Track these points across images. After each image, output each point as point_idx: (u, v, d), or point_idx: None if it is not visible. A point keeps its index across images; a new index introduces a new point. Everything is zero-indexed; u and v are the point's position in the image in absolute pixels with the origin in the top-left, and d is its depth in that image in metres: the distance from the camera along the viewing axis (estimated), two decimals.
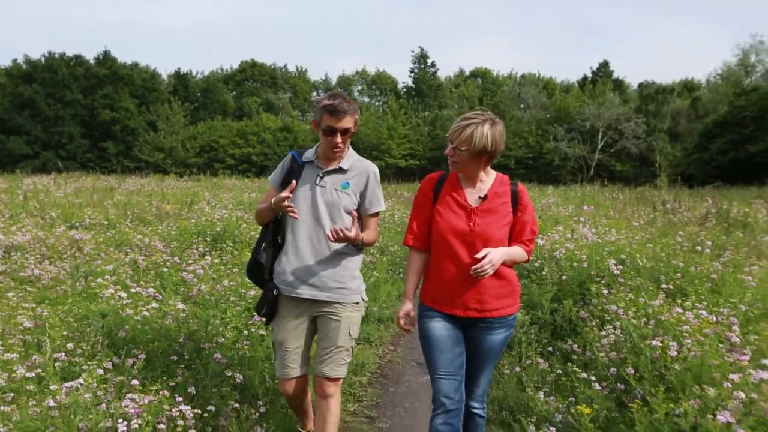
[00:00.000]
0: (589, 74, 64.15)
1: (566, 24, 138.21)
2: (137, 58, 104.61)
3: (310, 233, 3.27)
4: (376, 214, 3.43)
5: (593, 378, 3.98)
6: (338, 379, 3.36)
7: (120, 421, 3.08)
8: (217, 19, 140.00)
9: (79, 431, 3.06)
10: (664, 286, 5.23)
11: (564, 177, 46.74)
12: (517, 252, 3.04)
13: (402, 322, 3.11)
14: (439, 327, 3.04)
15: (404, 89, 71.51)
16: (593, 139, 50.23)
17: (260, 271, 3.36)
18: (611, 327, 4.51)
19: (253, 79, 77.00)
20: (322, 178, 3.30)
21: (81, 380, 3.31)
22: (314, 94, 78.76)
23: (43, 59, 60.05)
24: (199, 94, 69.50)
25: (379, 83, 77.89)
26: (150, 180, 23.00)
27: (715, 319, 4.07)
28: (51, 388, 3.43)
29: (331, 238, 3.08)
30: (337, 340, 3.28)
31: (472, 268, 2.82)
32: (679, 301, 4.48)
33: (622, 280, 5.44)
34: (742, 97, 39.87)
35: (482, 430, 3.25)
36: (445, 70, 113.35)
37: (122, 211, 10.86)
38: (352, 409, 4.65)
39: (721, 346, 3.69)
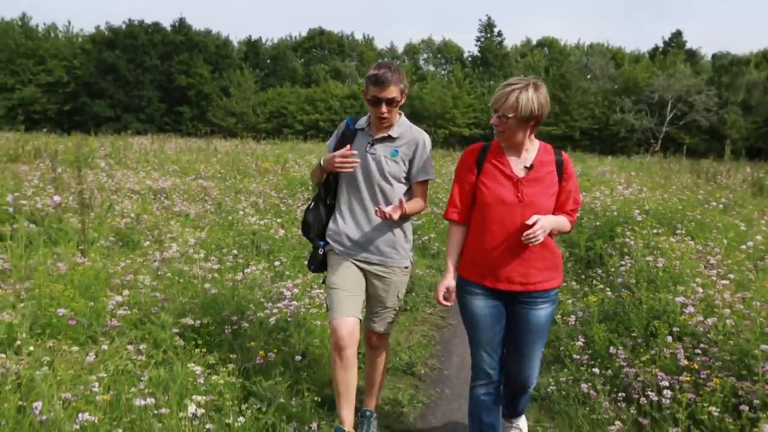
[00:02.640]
0: (661, 44, 63.07)
1: None
2: (209, 25, 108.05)
3: (361, 199, 3.34)
4: (425, 182, 3.44)
5: (608, 289, 5.44)
6: (386, 333, 3.53)
7: (283, 291, 4.75)
8: None
9: (257, 297, 4.75)
10: (678, 231, 6.59)
11: (629, 149, 46.57)
12: (563, 221, 3.00)
13: (441, 296, 3.03)
14: (480, 305, 3.02)
15: (470, 58, 71.81)
16: (662, 111, 49.75)
17: (307, 229, 3.49)
18: (628, 257, 5.94)
19: (321, 46, 78.46)
20: (372, 145, 3.35)
21: (254, 267, 5.02)
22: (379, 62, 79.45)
23: (123, 26, 63.02)
24: (268, 61, 71.52)
25: (445, 52, 78.23)
26: (233, 143, 25.14)
27: (701, 248, 5.45)
28: (228, 276, 5.17)
29: (377, 215, 3.18)
30: (387, 301, 3.41)
31: (524, 233, 2.77)
32: (677, 236, 5.88)
33: (642, 225, 6.83)
34: None
35: (526, 404, 3.45)
36: (512, 39, 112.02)
37: (229, 167, 12.77)
38: (429, 312, 6.24)
39: (702, 265, 5.09)
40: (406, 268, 3.45)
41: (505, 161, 2.99)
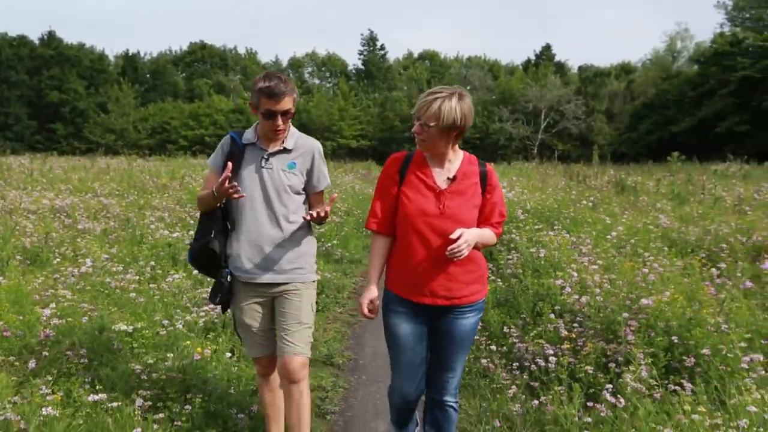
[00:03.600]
0: (533, 57, 67.14)
1: (511, 6, 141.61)
2: (81, 39, 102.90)
3: (261, 217, 3.14)
4: (323, 191, 3.37)
5: (499, 280, 6.14)
6: (307, 359, 3.21)
7: (206, 296, 5.05)
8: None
9: (183, 303, 5.03)
10: (556, 226, 7.45)
11: (509, 156, 49.08)
12: (488, 234, 2.92)
13: (365, 309, 2.92)
14: (403, 325, 2.94)
15: (354, 71, 73.16)
16: (536, 120, 52.88)
17: (213, 258, 3.17)
18: (514, 251, 6.69)
19: (203, 60, 77.06)
20: (267, 159, 3.17)
21: (177, 275, 5.28)
22: None
23: None
24: (148, 76, 69.39)
25: (330, 65, 79.21)
26: (121, 160, 24.44)
27: (575, 240, 6.29)
28: (151, 285, 5.40)
29: (307, 218, 3.10)
30: (302, 316, 3.18)
31: (448, 248, 2.69)
32: (555, 230, 6.72)
33: (525, 222, 7.68)
34: (666, 81, 43.43)
35: (454, 424, 3.17)
36: (394, 53, 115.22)
37: (125, 184, 12.62)
38: (339, 311, 6.70)
39: (576, 254, 5.89)
40: (313, 282, 3.31)
41: (428, 172, 2.93)
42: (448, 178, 2.91)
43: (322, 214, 3.05)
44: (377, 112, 57.66)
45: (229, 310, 3.36)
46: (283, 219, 3.15)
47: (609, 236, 6.44)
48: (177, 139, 54.80)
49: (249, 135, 3.23)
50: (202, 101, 61.27)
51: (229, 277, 3.18)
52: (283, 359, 3.13)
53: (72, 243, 6.91)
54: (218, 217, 3.22)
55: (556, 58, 66.66)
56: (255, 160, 3.18)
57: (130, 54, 69.39)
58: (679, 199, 10.88)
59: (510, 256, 6.61)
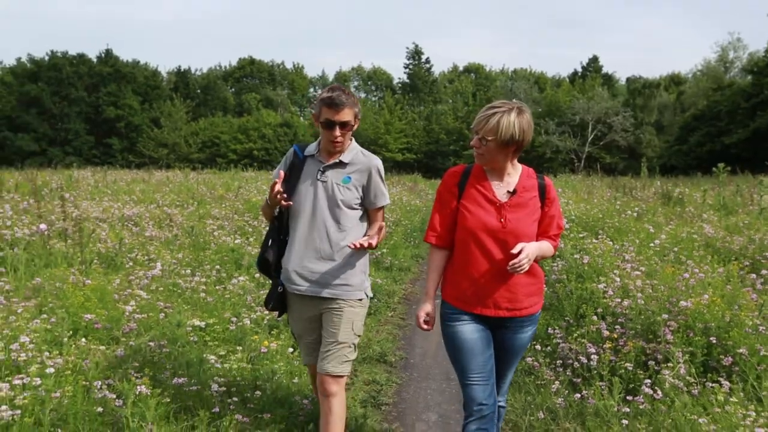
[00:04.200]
0: (579, 69, 66.62)
1: (557, 18, 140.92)
2: (134, 55, 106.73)
3: (311, 229, 3.17)
4: (382, 208, 3.36)
5: (545, 285, 6.39)
6: (341, 376, 3.19)
7: None
8: (210, 16, 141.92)
9: (247, 303, 5.45)
10: (600, 235, 7.67)
11: (555, 169, 48.78)
12: (546, 247, 2.93)
13: (422, 321, 2.94)
14: (468, 330, 2.91)
15: (399, 85, 73.86)
16: (583, 132, 52.47)
17: (267, 267, 3.30)
18: (559, 258, 6.94)
19: (252, 75, 78.89)
20: (323, 172, 3.21)
21: (241, 278, 5.72)
22: (311, 90, 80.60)
23: (46, 58, 61.63)
24: (199, 91, 71.34)
25: (375, 79, 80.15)
26: (176, 173, 25.45)
27: (618, 247, 6.51)
28: (217, 287, 5.84)
29: (352, 247, 3.09)
30: (339, 335, 3.16)
31: (510, 263, 2.69)
32: (599, 238, 6.94)
33: (569, 230, 7.91)
34: (718, 92, 42.67)
35: (502, 420, 3.30)
36: (439, 66, 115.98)
37: (184, 195, 13.31)
38: (390, 314, 7.05)
39: (619, 261, 6.11)
40: (360, 300, 3.26)
41: (488, 185, 2.93)
42: (508, 192, 2.91)
43: (365, 245, 3.07)
44: (423, 125, 58.12)
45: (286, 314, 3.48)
46: (334, 233, 3.15)
47: (652, 244, 6.64)
48: (226, 152, 56.23)
49: (311, 148, 3.30)
50: (250, 115, 62.80)
51: (280, 287, 3.28)
52: (319, 377, 3.20)
53: (142, 249, 7.44)
54: (275, 228, 3.33)
55: (604, 70, 66.05)
56: (313, 172, 3.22)
57: (182, 70, 71.53)
58: (725, 210, 10.90)
59: (555, 263, 6.85)
